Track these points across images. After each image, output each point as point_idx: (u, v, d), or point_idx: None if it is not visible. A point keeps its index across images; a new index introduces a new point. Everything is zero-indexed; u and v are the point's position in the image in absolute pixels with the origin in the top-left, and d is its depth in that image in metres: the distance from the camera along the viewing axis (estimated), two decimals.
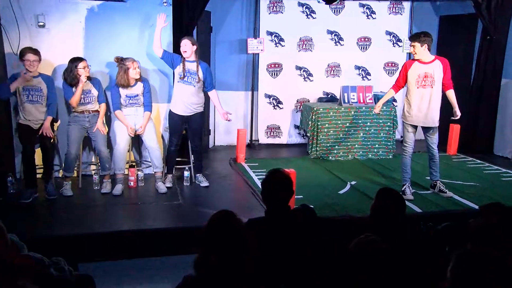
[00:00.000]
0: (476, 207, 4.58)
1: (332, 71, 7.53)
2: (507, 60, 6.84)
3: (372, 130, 6.71)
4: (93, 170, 5.52)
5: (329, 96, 7.44)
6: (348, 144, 6.68)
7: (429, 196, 5.17)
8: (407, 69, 5.00)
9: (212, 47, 7.08)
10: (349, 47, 7.48)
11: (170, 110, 5.30)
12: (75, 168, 5.24)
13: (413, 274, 2.35)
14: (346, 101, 6.80)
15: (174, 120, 5.27)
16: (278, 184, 2.75)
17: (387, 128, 6.74)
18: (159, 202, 4.91)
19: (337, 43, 7.45)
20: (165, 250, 4.01)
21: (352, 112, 6.66)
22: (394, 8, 7.52)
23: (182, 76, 5.14)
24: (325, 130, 6.60)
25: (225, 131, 7.41)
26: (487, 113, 6.98)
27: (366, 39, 7.52)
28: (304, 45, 7.37)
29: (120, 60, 5.10)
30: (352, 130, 6.66)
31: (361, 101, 6.82)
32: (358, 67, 7.61)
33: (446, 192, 5.13)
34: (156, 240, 4.11)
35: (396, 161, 6.59)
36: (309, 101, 7.38)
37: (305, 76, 7.49)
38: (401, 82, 5.11)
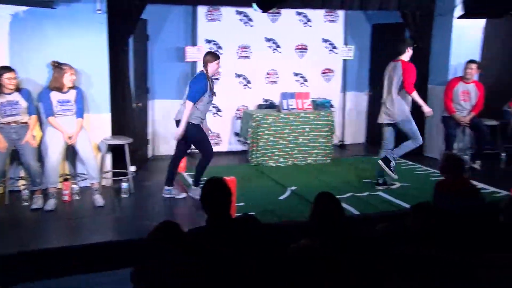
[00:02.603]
0: (409, 206, 4.83)
1: (271, 78, 7.69)
2: (431, 67, 7.32)
3: (311, 135, 6.91)
4: (22, 185, 5.28)
5: (268, 103, 7.58)
6: (288, 150, 6.84)
7: (366, 198, 5.40)
8: None
9: (149, 56, 7.03)
10: (287, 54, 7.68)
11: (195, 123, 5.16)
12: (1, 184, 4.99)
13: (359, 273, 2.43)
14: (285, 107, 6.97)
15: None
16: (216, 192, 2.80)
17: (325, 133, 6.97)
18: (96, 216, 4.80)
19: (275, 51, 7.63)
20: (104, 265, 3.92)
21: (291, 119, 6.83)
22: (329, 16, 7.81)
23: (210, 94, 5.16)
24: (265, 136, 6.72)
25: (163, 140, 7.35)
26: (416, 117, 7.35)
27: (303, 46, 7.76)
28: (243, 52, 7.48)
29: (58, 64, 4.97)
30: (291, 136, 6.83)
31: (300, 107, 7.01)
32: (296, 74, 7.82)
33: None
34: (95, 255, 4.01)
35: (334, 165, 6.85)
36: (248, 108, 7.49)
37: (245, 83, 7.60)
38: None
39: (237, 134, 7.58)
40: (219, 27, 7.29)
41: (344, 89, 8.18)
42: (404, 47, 5.63)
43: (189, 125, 5.09)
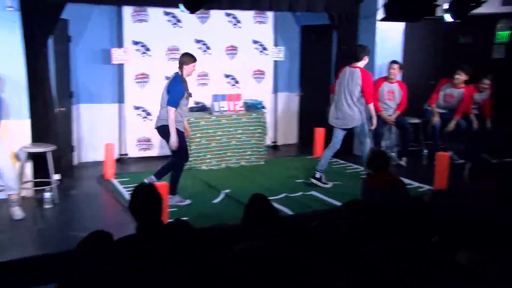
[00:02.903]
0: (339, 203, 4.97)
1: (202, 80, 7.61)
2: None
3: (244, 137, 6.92)
4: None
5: (199, 105, 7.50)
6: (221, 152, 6.81)
7: (299, 198, 5.48)
8: None
9: (72, 58, 6.70)
10: (217, 56, 7.64)
11: (178, 130, 5.05)
12: None
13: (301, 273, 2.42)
14: (217, 110, 6.93)
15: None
16: (146, 199, 2.70)
17: (257, 135, 7.01)
18: (15, 230, 4.47)
19: (205, 52, 7.56)
20: (25, 282, 3.66)
21: (223, 121, 6.81)
22: (259, 18, 7.86)
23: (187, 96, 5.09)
24: (197, 140, 6.64)
25: (90, 147, 7.05)
26: None
27: (234, 48, 7.75)
28: (172, 54, 7.34)
29: None
30: (224, 139, 6.80)
31: (232, 109, 7.00)
32: (227, 76, 7.81)
33: None
34: (13, 272, 3.73)
35: (268, 166, 6.89)
36: None
37: None
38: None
39: None
40: (146, 28, 7.11)
41: (276, 90, 8.27)
42: (362, 55, 5.81)
43: (167, 126, 4.98)
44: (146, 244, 2.63)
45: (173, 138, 4.96)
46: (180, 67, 5.09)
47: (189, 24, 7.34)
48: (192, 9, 5.40)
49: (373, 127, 5.98)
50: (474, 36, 7.99)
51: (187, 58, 5.10)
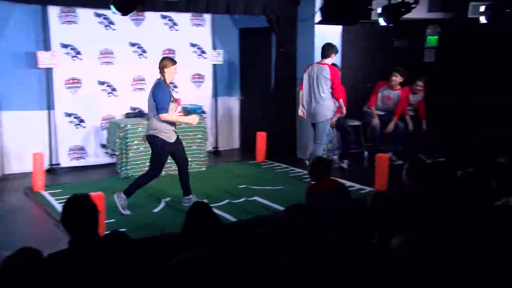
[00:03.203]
0: (282, 208, 5.02)
1: (138, 85, 7.45)
2: (299, 70, 7.67)
3: (184, 143, 6.80)
4: None
5: (137, 111, 7.33)
6: None
7: (242, 204, 5.48)
8: None
9: None
10: (154, 60, 7.35)
11: (166, 140, 5.05)
12: None
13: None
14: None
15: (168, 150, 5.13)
16: (78, 211, 2.60)
17: (198, 141, 6.95)
18: None
19: (141, 56, 7.41)
20: None
21: None
22: (196, 20, 7.82)
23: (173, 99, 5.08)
24: (135, 147, 6.48)
25: (16, 157, 6.68)
26: (288, 119, 7.75)
27: (171, 51, 7.63)
28: (105, 58, 7.14)
29: None
30: None
31: None
32: None
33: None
34: None
35: (209, 173, 6.85)
36: (115, 118, 7.17)
37: (109, 91, 7.26)
38: None
39: (104, 146, 7.19)
40: (76, 30, 6.84)
41: (215, 94, 8.24)
42: (331, 52, 6.26)
43: (155, 138, 5.04)
44: (80, 259, 2.53)
45: (189, 119, 5.44)
46: (161, 72, 5.08)
47: (123, 27, 7.15)
48: (124, 11, 5.27)
49: (341, 115, 6.72)
50: (408, 40, 8.42)
51: (167, 62, 5.10)
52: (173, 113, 5.15)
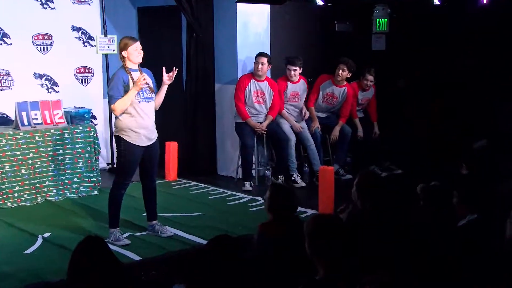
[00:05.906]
0: (204, 242, 4.99)
1: (1, 82, 7.20)
2: (217, 61, 7.77)
3: (68, 159, 6.74)
4: None
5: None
6: (35, 182, 6.52)
7: (148, 238, 5.42)
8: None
9: None
10: (21, 48, 7.35)
11: (130, 143, 5.20)
12: None
13: None
14: (26, 123, 6.61)
15: (136, 154, 5.28)
16: None
17: (87, 155, 6.85)
18: None
19: (2, 41, 7.18)
20: None
21: (37, 138, 6.54)
22: None
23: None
24: None
25: None
26: (205, 125, 7.75)
27: (46, 37, 7.51)
28: None
29: None
30: (39, 163, 6.53)
31: (48, 121, 6.75)
32: (39, 75, 7.53)
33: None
34: None
35: (103, 198, 6.65)
36: None
37: None
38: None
39: None
40: None
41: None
42: None
43: (118, 139, 5.31)
44: None
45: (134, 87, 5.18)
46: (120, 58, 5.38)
47: None
48: None
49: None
50: (353, 24, 8.69)
51: (123, 42, 5.35)
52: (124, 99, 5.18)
